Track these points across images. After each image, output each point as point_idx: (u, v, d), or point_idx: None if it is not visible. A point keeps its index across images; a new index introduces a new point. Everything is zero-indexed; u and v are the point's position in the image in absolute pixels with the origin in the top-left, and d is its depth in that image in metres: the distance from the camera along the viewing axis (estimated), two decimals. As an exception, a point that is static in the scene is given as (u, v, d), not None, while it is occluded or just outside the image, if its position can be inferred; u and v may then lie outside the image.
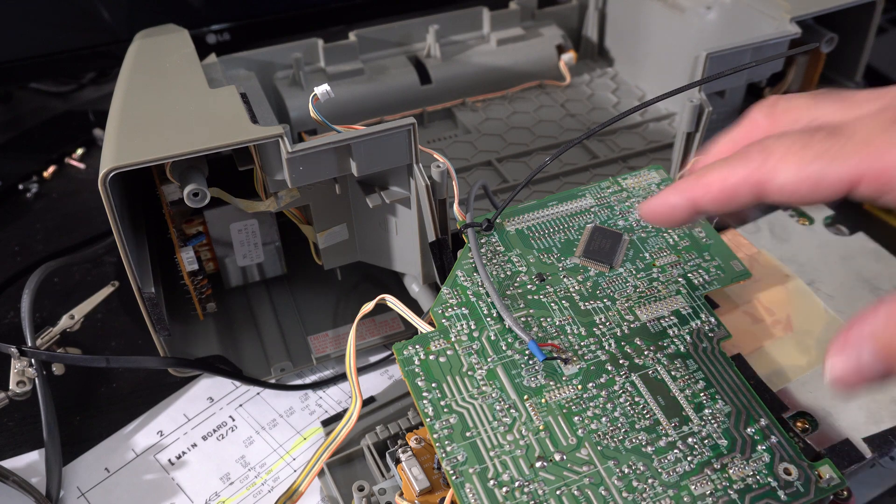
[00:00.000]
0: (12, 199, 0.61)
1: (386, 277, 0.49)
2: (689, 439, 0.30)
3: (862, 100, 0.26)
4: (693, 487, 0.29)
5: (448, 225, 0.39)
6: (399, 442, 0.35)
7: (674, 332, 0.34)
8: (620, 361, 0.33)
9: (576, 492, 0.29)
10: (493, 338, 0.33)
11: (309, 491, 0.36)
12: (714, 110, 0.44)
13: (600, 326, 0.34)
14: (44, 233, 0.57)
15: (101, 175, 0.33)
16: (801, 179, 0.25)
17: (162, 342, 0.41)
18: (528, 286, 0.35)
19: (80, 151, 0.65)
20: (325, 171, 0.37)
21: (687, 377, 0.32)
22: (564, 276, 0.36)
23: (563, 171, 0.49)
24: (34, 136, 0.67)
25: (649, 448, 0.30)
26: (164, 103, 0.38)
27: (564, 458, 0.30)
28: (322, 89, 0.37)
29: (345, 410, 0.44)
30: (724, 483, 0.29)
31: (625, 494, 0.29)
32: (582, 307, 0.35)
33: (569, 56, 0.57)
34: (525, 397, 0.31)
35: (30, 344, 0.42)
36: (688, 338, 0.34)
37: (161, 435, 0.43)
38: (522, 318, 0.34)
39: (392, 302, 0.35)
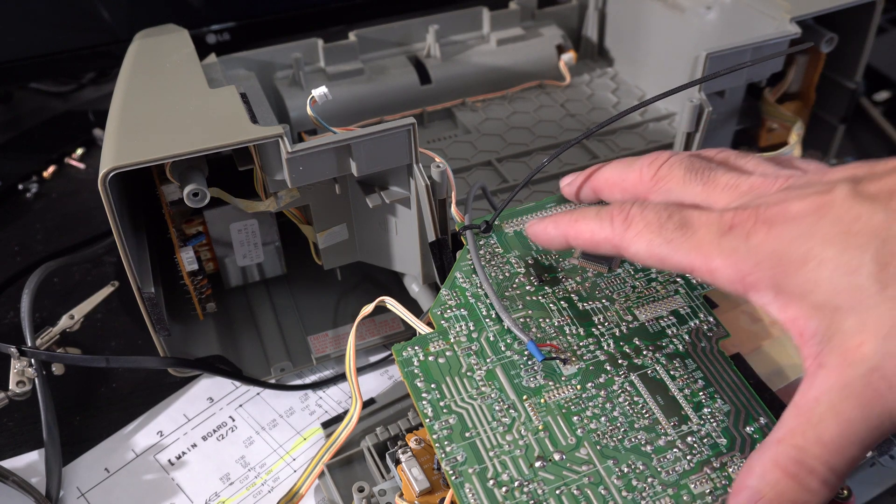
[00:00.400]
0: (12, 199, 0.61)
1: (386, 277, 0.49)
2: (689, 438, 0.30)
3: (722, 186, 0.29)
4: (693, 486, 0.29)
5: (448, 225, 0.39)
6: (399, 443, 0.35)
7: (672, 331, 0.34)
8: (619, 361, 0.33)
9: (575, 491, 0.29)
10: (492, 338, 0.33)
11: (308, 493, 0.36)
12: (714, 110, 0.44)
13: (599, 327, 0.34)
14: (44, 233, 0.57)
15: (100, 175, 0.33)
16: (650, 256, 0.29)
17: (162, 342, 0.41)
18: (527, 287, 0.35)
19: (80, 151, 0.65)
20: (325, 171, 0.37)
21: (686, 377, 0.32)
22: (563, 278, 0.36)
23: (562, 171, 0.49)
24: (34, 136, 0.67)
25: (648, 447, 0.30)
26: (164, 103, 0.38)
27: (564, 457, 0.30)
28: (320, 91, 0.37)
29: (345, 412, 0.44)
30: (723, 482, 0.29)
31: (624, 493, 0.29)
32: (580, 308, 0.35)
33: (569, 56, 0.57)
34: (524, 397, 0.31)
35: (29, 344, 0.42)
36: (686, 337, 0.34)
37: (161, 435, 0.43)
38: (521, 319, 0.34)
39: (391, 304, 0.35)
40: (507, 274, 0.36)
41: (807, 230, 0.25)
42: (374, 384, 0.45)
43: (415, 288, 0.44)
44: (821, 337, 0.25)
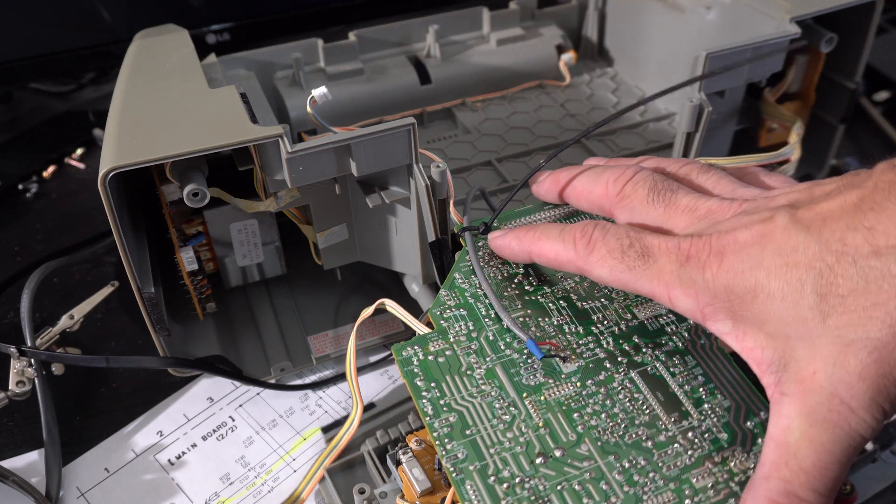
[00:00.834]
0: (12, 199, 0.61)
1: (386, 277, 0.49)
2: (690, 433, 0.30)
3: (682, 209, 0.31)
4: (694, 480, 0.29)
5: (448, 225, 0.39)
6: (399, 444, 0.35)
7: (672, 329, 0.34)
8: (619, 359, 0.33)
9: (577, 486, 0.29)
10: (491, 338, 0.33)
11: (309, 497, 0.36)
12: (714, 110, 0.44)
13: (598, 325, 0.34)
14: (44, 233, 0.57)
15: (100, 175, 0.33)
16: (613, 281, 0.30)
17: (162, 342, 0.41)
18: (526, 287, 0.35)
19: (79, 151, 0.65)
20: (325, 171, 0.37)
21: (686, 373, 0.32)
22: (562, 277, 0.36)
23: (562, 171, 0.49)
24: (34, 136, 0.67)
25: (649, 443, 0.30)
26: (164, 103, 0.38)
27: (565, 453, 0.30)
28: (320, 91, 0.37)
29: (345, 416, 0.44)
30: (725, 476, 0.29)
31: (626, 489, 0.29)
32: (580, 307, 0.35)
33: (569, 56, 0.57)
34: (524, 395, 0.31)
35: (29, 344, 0.42)
36: (686, 335, 0.34)
37: (161, 435, 0.43)
38: (520, 319, 0.34)
39: (391, 306, 0.35)
40: (505, 274, 0.36)
41: (753, 262, 0.27)
42: (374, 384, 0.45)
43: (415, 288, 0.44)
44: (777, 365, 0.27)
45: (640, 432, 0.30)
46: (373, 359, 0.46)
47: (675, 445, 0.30)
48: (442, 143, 0.52)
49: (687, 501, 0.28)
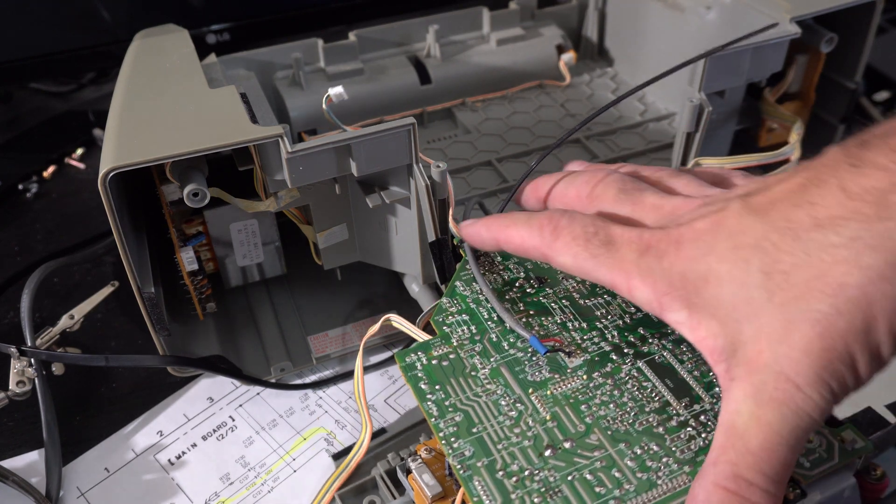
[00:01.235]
0: (12, 199, 0.61)
1: (386, 277, 0.49)
2: (702, 416, 0.30)
3: (648, 207, 0.31)
4: None
5: (448, 225, 0.39)
6: (409, 454, 0.35)
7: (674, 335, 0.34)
8: (625, 350, 0.33)
9: (588, 476, 0.28)
10: (494, 339, 0.33)
11: None
12: (714, 110, 0.44)
13: (602, 320, 0.34)
14: (44, 233, 0.57)
15: (100, 175, 0.33)
16: (576, 268, 0.30)
17: (162, 342, 0.41)
18: (527, 290, 0.36)
19: (80, 151, 0.65)
20: (325, 171, 0.37)
21: (694, 360, 0.32)
22: (563, 278, 0.36)
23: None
24: (34, 136, 0.67)
25: (661, 429, 0.30)
26: (164, 103, 0.38)
27: (574, 444, 0.29)
28: (336, 91, 0.37)
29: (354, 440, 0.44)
30: None
31: (639, 475, 0.28)
32: (582, 304, 0.35)
33: (569, 56, 0.57)
34: (530, 391, 0.31)
35: (29, 344, 0.42)
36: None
37: (161, 435, 0.43)
38: (523, 319, 0.34)
39: (397, 321, 0.35)
40: (506, 278, 0.36)
41: (706, 248, 0.27)
42: (375, 385, 0.45)
43: (415, 288, 0.44)
44: (728, 352, 0.26)
45: (650, 419, 0.30)
46: (374, 359, 0.46)
47: (688, 429, 0.30)
48: (442, 143, 0.52)
49: None
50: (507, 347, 0.33)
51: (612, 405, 0.31)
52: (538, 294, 0.35)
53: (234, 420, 0.44)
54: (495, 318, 0.34)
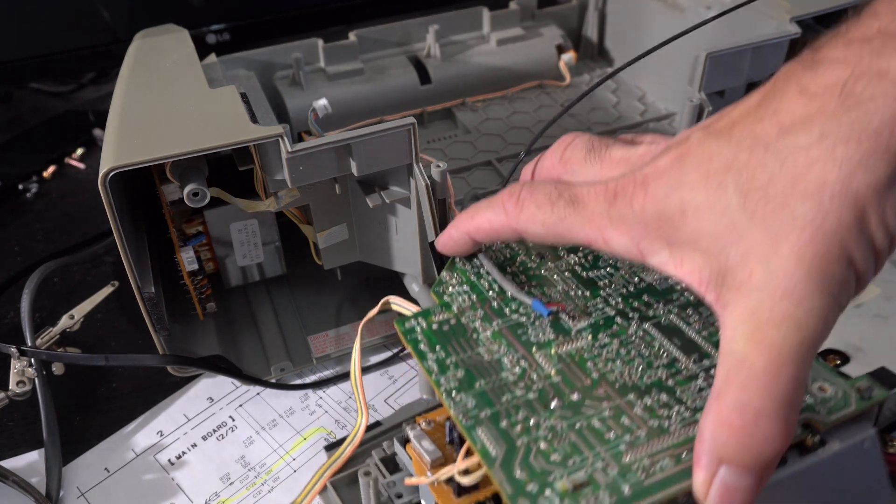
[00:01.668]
0: (12, 199, 0.61)
1: (386, 277, 0.49)
2: (712, 371, 0.29)
3: (616, 161, 0.30)
4: None
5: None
6: (407, 425, 0.33)
7: (681, 287, 0.33)
8: (630, 315, 0.32)
9: (597, 423, 0.27)
10: (496, 307, 0.33)
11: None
12: (714, 110, 0.44)
13: (606, 289, 0.33)
14: (44, 233, 0.57)
15: (100, 175, 0.33)
16: (548, 234, 0.29)
17: (162, 342, 0.41)
18: (529, 264, 0.35)
19: (80, 151, 0.65)
20: (325, 171, 0.37)
21: (701, 321, 0.31)
22: (564, 254, 0.35)
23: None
24: (34, 136, 0.67)
25: (670, 381, 0.29)
26: (164, 103, 0.38)
27: (581, 396, 0.28)
28: (321, 104, 0.37)
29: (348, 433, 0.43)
30: None
31: (650, 422, 0.27)
32: (585, 276, 0.34)
33: (569, 56, 0.57)
34: (533, 349, 0.30)
35: (29, 344, 0.42)
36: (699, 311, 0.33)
37: (161, 435, 0.43)
38: (525, 290, 0.33)
39: (396, 302, 0.34)
40: (508, 255, 0.35)
41: (675, 182, 0.26)
42: (376, 385, 0.45)
43: (415, 288, 0.44)
44: (716, 280, 0.25)
45: (659, 373, 0.29)
46: (374, 359, 0.46)
47: (699, 381, 0.29)
48: (442, 143, 0.52)
49: None
50: (508, 313, 0.32)
51: (618, 362, 0.30)
52: (540, 268, 0.35)
53: (234, 420, 0.44)
54: (496, 289, 0.33)
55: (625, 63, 0.40)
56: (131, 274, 0.37)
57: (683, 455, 0.26)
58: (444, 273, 0.35)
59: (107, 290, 0.46)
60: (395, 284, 0.48)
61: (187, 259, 0.43)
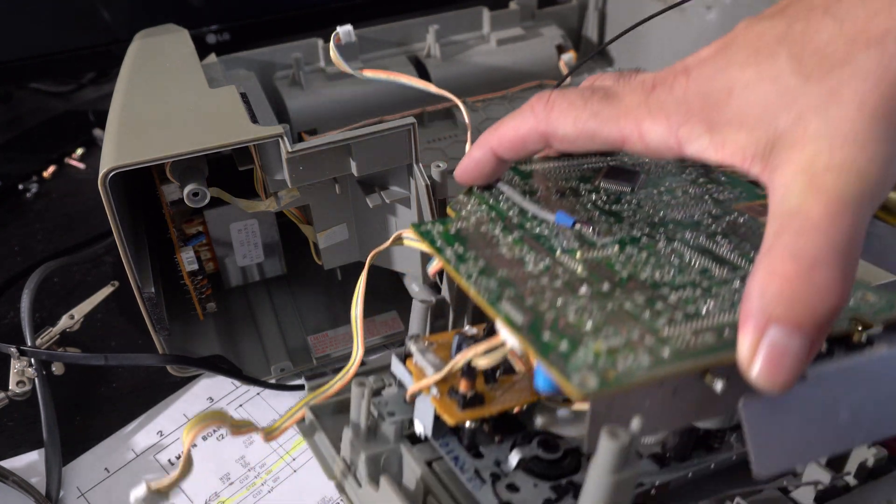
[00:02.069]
0: (12, 199, 0.61)
1: (386, 277, 0.49)
2: (746, 277, 0.27)
3: (632, 74, 0.29)
4: None
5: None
6: (409, 340, 0.32)
7: (709, 220, 0.32)
8: (657, 236, 0.30)
9: (629, 307, 0.26)
10: (516, 221, 0.31)
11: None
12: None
13: (631, 218, 0.32)
14: (44, 233, 0.57)
15: (100, 175, 0.33)
16: (579, 135, 0.28)
17: (162, 342, 0.41)
18: (552, 197, 0.33)
19: (80, 151, 0.65)
20: (325, 170, 0.37)
21: (732, 245, 0.30)
22: (585, 192, 0.33)
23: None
24: (34, 136, 0.67)
25: (704, 283, 0.27)
26: (164, 103, 0.38)
27: (611, 287, 0.27)
28: (345, 29, 0.36)
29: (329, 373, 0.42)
30: None
31: (688, 308, 0.26)
32: (608, 209, 0.32)
33: (569, 56, 0.57)
34: (558, 253, 0.29)
35: (29, 344, 0.42)
36: (725, 224, 0.31)
37: (161, 435, 0.43)
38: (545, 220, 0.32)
39: (409, 237, 0.32)
40: (527, 189, 0.34)
41: (722, 63, 0.25)
42: (374, 384, 0.45)
43: (415, 288, 0.44)
44: (764, 150, 0.24)
45: (691, 276, 0.27)
46: (373, 359, 0.46)
47: (734, 284, 0.27)
48: (442, 143, 0.52)
49: None
50: (530, 227, 0.30)
51: (648, 267, 0.28)
52: (561, 201, 0.33)
53: (234, 420, 0.44)
54: (517, 211, 0.32)
55: (599, 47, 0.39)
56: (131, 274, 0.37)
57: (726, 332, 0.24)
58: (461, 196, 0.33)
59: (107, 290, 0.46)
60: (395, 284, 0.48)
61: (187, 259, 0.43)
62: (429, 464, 0.29)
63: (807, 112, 0.23)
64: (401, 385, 0.31)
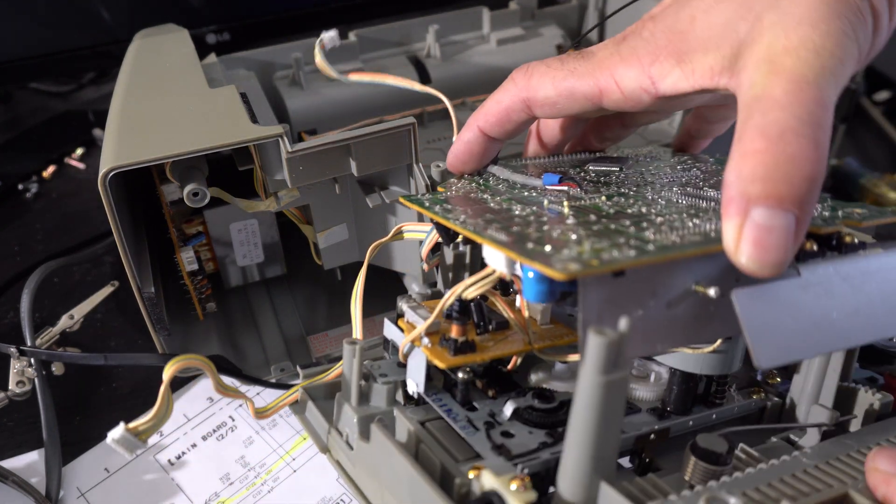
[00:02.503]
0: (12, 199, 0.61)
1: (386, 277, 0.49)
2: None
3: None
4: None
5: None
6: (401, 300, 0.33)
7: (696, 181, 0.33)
8: (645, 191, 0.31)
9: (614, 227, 0.26)
10: (503, 189, 0.32)
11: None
12: (714, 110, 0.44)
13: (618, 183, 0.32)
14: (44, 233, 0.57)
15: (100, 175, 0.33)
16: (559, 94, 0.29)
17: (162, 342, 0.41)
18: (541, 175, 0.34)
19: (79, 151, 0.65)
20: (325, 170, 0.37)
21: (717, 198, 0.30)
22: (574, 173, 0.34)
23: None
24: (34, 136, 0.67)
25: (692, 211, 0.28)
26: (164, 103, 0.38)
27: (598, 218, 0.27)
28: (329, 34, 0.36)
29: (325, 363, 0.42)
30: None
31: (675, 224, 0.26)
32: (596, 180, 0.33)
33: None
34: (546, 203, 0.30)
35: (29, 344, 0.42)
36: (713, 181, 0.32)
37: (161, 435, 0.43)
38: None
39: (410, 228, 0.34)
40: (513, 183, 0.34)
41: (684, 1, 0.27)
42: (374, 384, 0.45)
43: (415, 288, 0.44)
44: (731, 62, 0.25)
45: (678, 208, 0.28)
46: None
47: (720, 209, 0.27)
48: (442, 143, 0.52)
49: None
50: (518, 192, 0.32)
51: (635, 206, 0.29)
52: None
53: (234, 420, 0.44)
54: (506, 184, 0.33)
55: (584, 31, 0.40)
56: (131, 274, 0.37)
57: (712, 234, 0.25)
58: (452, 179, 0.35)
59: (107, 290, 0.46)
60: (396, 284, 0.48)
61: (187, 259, 0.43)
62: (422, 424, 0.29)
63: (762, 11, 0.24)
64: (395, 352, 0.32)
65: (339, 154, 0.36)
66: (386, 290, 0.49)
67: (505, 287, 0.32)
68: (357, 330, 0.33)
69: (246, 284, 0.49)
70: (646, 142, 0.51)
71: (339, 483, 0.40)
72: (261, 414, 0.33)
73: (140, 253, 0.40)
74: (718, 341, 0.28)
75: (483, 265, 0.28)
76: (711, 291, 0.24)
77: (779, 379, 0.33)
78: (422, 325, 0.29)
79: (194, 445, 0.42)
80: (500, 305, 0.29)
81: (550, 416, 0.28)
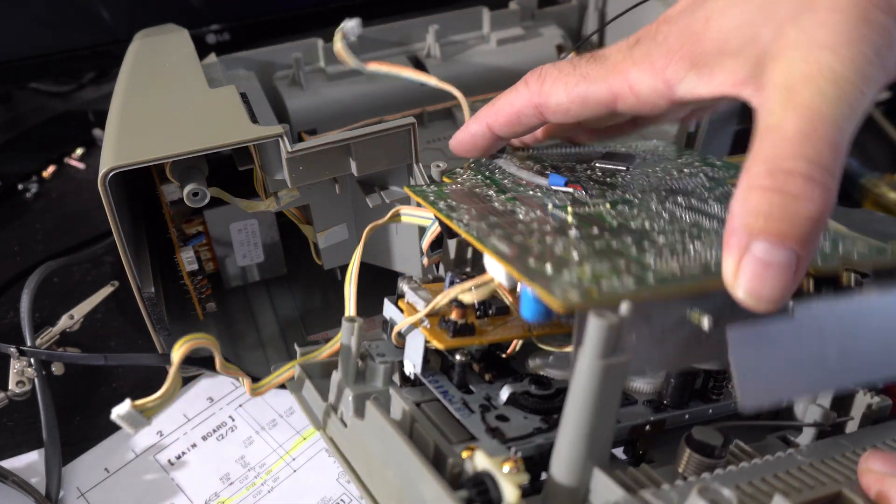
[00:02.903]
0: (12, 199, 0.61)
1: (386, 277, 0.49)
2: None
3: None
4: None
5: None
6: (402, 281, 0.32)
7: (701, 190, 0.32)
8: (649, 200, 0.31)
9: (616, 245, 0.26)
10: (508, 185, 0.32)
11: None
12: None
13: (624, 186, 0.32)
14: (44, 233, 0.57)
15: (100, 175, 0.33)
16: (572, 100, 0.29)
17: (162, 342, 0.41)
18: (547, 172, 0.34)
19: (79, 151, 0.65)
20: (325, 170, 0.37)
21: (723, 207, 0.30)
22: (581, 170, 0.34)
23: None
24: (34, 136, 0.67)
25: (695, 230, 0.28)
26: (164, 103, 0.38)
27: (600, 231, 0.27)
28: (350, 24, 0.36)
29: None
30: None
31: (677, 246, 0.26)
32: (603, 181, 0.33)
33: (569, 56, 0.57)
34: (549, 207, 0.29)
35: (29, 344, 0.42)
36: (719, 192, 0.32)
37: (161, 435, 0.43)
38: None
39: (408, 212, 0.34)
40: (521, 166, 0.34)
41: (697, 3, 0.26)
42: (374, 384, 0.45)
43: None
44: (755, 70, 0.24)
45: (682, 226, 0.28)
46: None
47: (724, 231, 0.27)
48: (442, 143, 0.52)
49: None
50: (523, 191, 0.31)
51: (638, 219, 0.28)
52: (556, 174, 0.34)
53: (234, 420, 0.44)
54: (511, 179, 0.32)
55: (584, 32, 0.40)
56: (131, 274, 0.37)
57: (713, 266, 0.24)
58: (457, 169, 0.34)
59: (107, 290, 0.46)
60: (395, 284, 0.48)
61: (187, 259, 0.43)
62: (417, 405, 0.29)
63: (784, 22, 0.23)
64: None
65: (339, 154, 0.36)
66: (386, 291, 0.49)
67: None
68: (350, 308, 0.33)
69: (246, 284, 0.49)
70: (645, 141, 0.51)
71: (339, 483, 0.40)
72: (256, 390, 0.33)
73: (140, 253, 0.40)
74: None
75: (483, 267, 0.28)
76: (705, 323, 0.24)
77: None
78: (420, 314, 0.29)
79: (194, 445, 0.42)
80: (501, 291, 0.29)
81: (546, 402, 0.28)
